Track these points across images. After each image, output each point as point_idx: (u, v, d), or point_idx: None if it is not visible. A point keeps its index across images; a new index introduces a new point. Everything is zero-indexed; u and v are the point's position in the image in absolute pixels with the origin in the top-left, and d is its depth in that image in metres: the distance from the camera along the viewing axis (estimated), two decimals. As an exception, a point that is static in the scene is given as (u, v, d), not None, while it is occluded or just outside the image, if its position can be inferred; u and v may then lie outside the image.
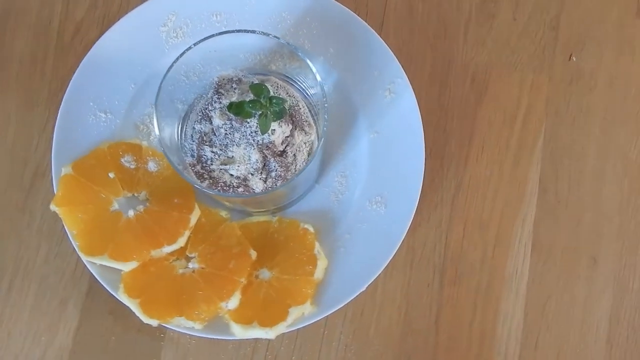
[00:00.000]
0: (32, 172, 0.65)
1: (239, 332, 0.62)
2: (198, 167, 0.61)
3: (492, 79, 0.75)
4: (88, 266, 0.57)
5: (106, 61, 0.64)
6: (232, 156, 0.61)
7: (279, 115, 0.59)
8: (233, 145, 0.61)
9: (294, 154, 0.63)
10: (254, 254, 0.66)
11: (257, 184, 0.62)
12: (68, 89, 0.61)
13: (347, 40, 0.69)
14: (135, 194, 0.68)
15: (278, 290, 0.65)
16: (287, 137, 0.62)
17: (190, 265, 0.65)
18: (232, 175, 0.62)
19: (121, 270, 0.65)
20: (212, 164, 0.61)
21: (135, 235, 0.65)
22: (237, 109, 0.58)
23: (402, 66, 0.62)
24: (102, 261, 0.63)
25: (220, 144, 0.61)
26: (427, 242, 0.71)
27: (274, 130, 0.60)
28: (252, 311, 0.64)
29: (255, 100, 0.54)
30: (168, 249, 0.65)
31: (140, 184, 0.68)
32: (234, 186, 0.62)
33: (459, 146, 0.70)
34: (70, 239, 0.58)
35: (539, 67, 0.75)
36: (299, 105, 0.64)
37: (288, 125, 0.61)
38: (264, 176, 0.62)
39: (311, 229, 0.67)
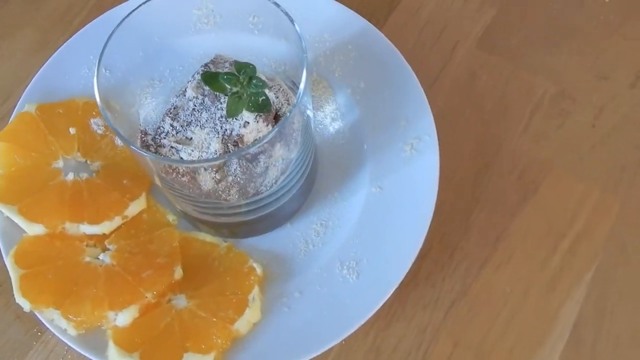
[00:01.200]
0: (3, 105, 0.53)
1: (114, 358, 0.43)
2: (148, 138, 0.46)
3: (546, 181, 0.55)
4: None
5: (127, 22, 0.53)
6: (191, 138, 0.45)
7: (259, 107, 0.44)
8: (197, 125, 0.46)
9: (267, 167, 0.46)
10: (179, 273, 0.48)
11: (205, 182, 0.45)
12: (75, 34, 0.56)
13: (382, 79, 0.57)
14: (88, 161, 0.54)
15: (185, 326, 0.46)
16: (265, 144, 0.45)
17: (102, 257, 0.48)
18: (181, 158, 0.45)
19: (24, 233, 0.50)
20: (164, 138, 0.45)
21: (60, 200, 0.50)
22: (210, 79, 0.43)
23: (438, 129, 0.54)
24: (9, 212, 0.49)
25: (184, 120, 0.46)
26: (399, 347, 0.49)
27: (247, 123, 0.44)
28: (140, 339, 0.45)
29: (233, 75, 0.38)
30: (87, 228, 0.49)
31: (98, 153, 0.54)
32: (177, 172, 0.45)
33: (480, 244, 0.51)
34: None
35: (612, 187, 0.54)
36: (294, 117, 0.47)
37: (267, 125, 0.45)
38: (218, 177, 0.45)
39: (258, 271, 0.49)
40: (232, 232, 0.53)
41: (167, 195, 0.50)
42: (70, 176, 0.53)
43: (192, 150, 0.47)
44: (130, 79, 0.54)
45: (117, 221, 0.51)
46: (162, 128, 0.49)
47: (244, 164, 0.48)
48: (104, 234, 0.51)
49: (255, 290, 0.49)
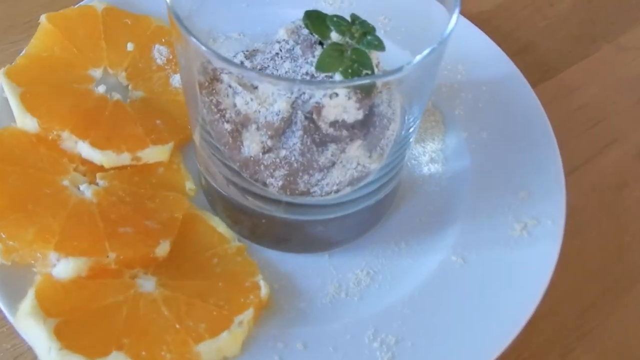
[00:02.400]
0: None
1: (22, 316, 0.31)
2: (209, 67, 0.33)
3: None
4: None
5: None
6: (257, 87, 0.32)
7: (358, 73, 0.30)
8: (271, 73, 0.32)
9: (333, 162, 0.32)
10: (163, 249, 0.34)
11: (251, 144, 0.32)
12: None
13: (513, 135, 0.45)
14: (131, 87, 0.45)
15: (135, 316, 0.34)
16: (344, 131, 0.31)
17: (83, 188, 0.36)
18: (235, 105, 0.32)
19: (12, 123, 0.41)
20: (226, 73, 0.33)
21: (75, 106, 0.40)
22: (314, 17, 0.31)
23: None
24: (10, 92, 0.41)
25: (258, 64, 0.35)
26: None
27: (336, 94, 0.31)
28: (71, 305, 0.32)
29: (345, 20, 0.27)
30: (86, 150, 0.39)
31: (146, 83, 0.46)
32: (222, 115, 0.32)
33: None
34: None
35: None
36: (389, 124, 0.34)
37: (359, 110, 0.31)
38: (269, 143, 0.32)
39: (263, 292, 0.35)
40: (253, 233, 0.38)
41: (199, 151, 0.36)
42: (102, 89, 0.41)
43: (251, 100, 0.33)
44: (220, 23, 0.42)
45: (125, 158, 0.38)
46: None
47: (308, 142, 0.33)
48: (102, 167, 0.37)
49: (249, 314, 0.33)
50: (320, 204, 0.37)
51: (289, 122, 0.35)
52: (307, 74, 0.35)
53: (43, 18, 0.43)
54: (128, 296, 0.33)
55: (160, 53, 0.46)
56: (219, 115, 0.35)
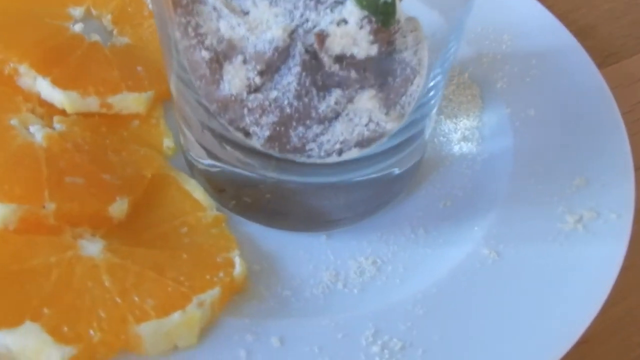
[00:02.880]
0: None
1: None
2: None
3: None
4: None
5: None
6: (247, 12, 0.24)
7: (375, 6, 0.23)
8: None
9: (337, 113, 0.25)
10: (120, 209, 0.27)
11: (233, 79, 0.25)
12: None
13: (569, 115, 0.37)
14: (115, 32, 0.38)
15: (64, 282, 0.25)
16: (352, 71, 0.24)
17: (33, 129, 0.30)
18: (218, 30, 0.25)
19: None
20: None
21: (40, 38, 0.33)
22: None
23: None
24: None
25: None
26: None
27: (345, 22, 0.24)
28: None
29: None
30: (46, 89, 0.34)
31: (133, 30, 0.40)
32: (201, 41, 0.25)
33: None
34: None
35: None
36: (413, 76, 0.26)
37: (373, 44, 0.24)
38: (257, 81, 0.24)
39: (237, 270, 0.27)
40: (234, 201, 0.29)
41: (173, 93, 0.29)
42: (78, 27, 0.33)
43: (239, 25, 0.25)
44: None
45: (92, 103, 0.31)
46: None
47: (307, 82, 0.25)
48: (63, 111, 0.30)
49: (213, 294, 0.24)
50: (317, 164, 0.28)
51: (284, 55, 0.27)
52: None
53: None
54: (63, 258, 0.25)
55: None
56: (196, 40, 0.27)
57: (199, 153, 0.32)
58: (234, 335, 0.26)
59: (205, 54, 0.27)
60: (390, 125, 0.29)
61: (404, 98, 0.30)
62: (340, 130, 0.29)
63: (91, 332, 0.24)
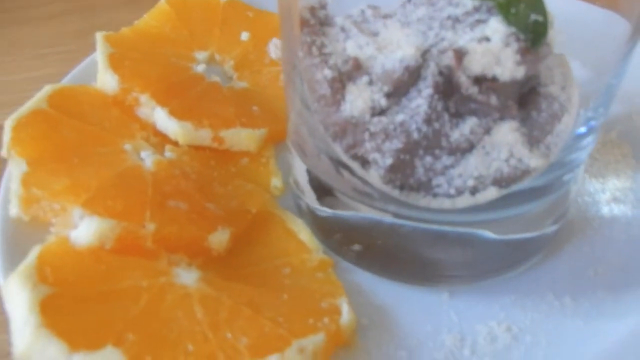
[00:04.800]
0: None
1: (13, 277, 0.24)
2: (320, 13, 0.26)
3: None
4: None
5: None
6: (378, 33, 0.23)
7: (525, 24, 0.20)
8: (398, 21, 0.24)
9: (471, 145, 0.22)
10: (221, 239, 0.25)
11: (354, 104, 0.23)
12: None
13: None
14: (235, 77, 0.38)
15: (153, 313, 0.22)
16: (493, 97, 0.21)
17: (144, 155, 0.29)
18: (344, 50, 0.24)
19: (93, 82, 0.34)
20: (340, 16, 0.25)
21: (163, 73, 0.32)
22: None
23: None
24: (101, 50, 0.35)
25: (384, 11, 0.24)
26: None
27: (487, 39, 0.21)
28: (75, 276, 0.20)
29: None
30: (163, 119, 0.33)
31: (253, 76, 0.40)
32: (325, 60, 0.24)
33: None
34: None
35: None
36: (561, 113, 0.23)
37: (520, 65, 0.21)
38: (383, 103, 0.22)
39: (344, 318, 0.22)
40: (347, 248, 0.25)
41: (291, 122, 0.27)
42: (201, 68, 0.34)
43: (368, 44, 0.23)
44: None
45: (205, 136, 0.29)
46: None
47: (439, 106, 0.22)
48: (176, 143, 0.29)
49: (317, 341, 0.20)
50: (442, 211, 0.24)
51: (415, 76, 0.24)
52: (449, 17, 0.24)
53: (163, 1, 0.38)
54: (154, 284, 0.22)
55: (276, 47, 0.38)
56: (319, 59, 0.24)
57: (309, 195, 0.28)
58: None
59: (328, 73, 0.25)
60: (535, 162, 0.25)
61: (549, 137, 0.25)
62: (474, 164, 0.24)
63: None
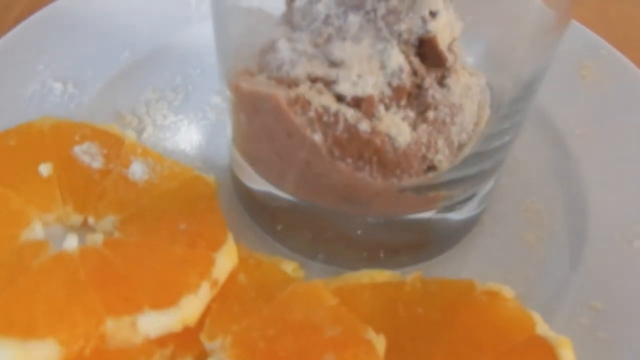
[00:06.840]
0: None
1: None
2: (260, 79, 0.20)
3: None
4: None
5: (89, 15, 0.37)
6: (342, 60, 0.20)
7: None
8: (343, 39, 0.25)
9: (459, 94, 0.26)
10: (380, 343, 0.19)
11: (399, 127, 0.20)
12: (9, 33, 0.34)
13: None
14: (90, 219, 0.24)
15: None
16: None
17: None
18: (339, 99, 0.20)
19: None
20: (294, 69, 0.20)
21: (70, 283, 0.20)
22: None
23: None
24: None
25: (313, 34, 0.21)
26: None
27: (434, 13, 0.25)
28: None
29: None
30: (152, 320, 0.19)
31: (104, 201, 0.27)
32: (346, 121, 0.19)
33: None
34: None
35: None
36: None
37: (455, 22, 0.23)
38: (411, 114, 0.21)
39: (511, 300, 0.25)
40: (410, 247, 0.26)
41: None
42: (72, 243, 0.24)
43: (357, 77, 0.22)
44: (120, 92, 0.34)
45: (204, 293, 0.23)
46: (280, 58, 0.23)
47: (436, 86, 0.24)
48: (186, 328, 0.22)
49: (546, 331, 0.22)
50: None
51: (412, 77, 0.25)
52: (388, 12, 0.25)
53: None
54: None
55: (89, 154, 0.33)
56: (341, 125, 0.22)
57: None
58: None
59: (364, 127, 0.24)
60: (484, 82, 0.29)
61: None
62: (468, 109, 0.28)
63: None
